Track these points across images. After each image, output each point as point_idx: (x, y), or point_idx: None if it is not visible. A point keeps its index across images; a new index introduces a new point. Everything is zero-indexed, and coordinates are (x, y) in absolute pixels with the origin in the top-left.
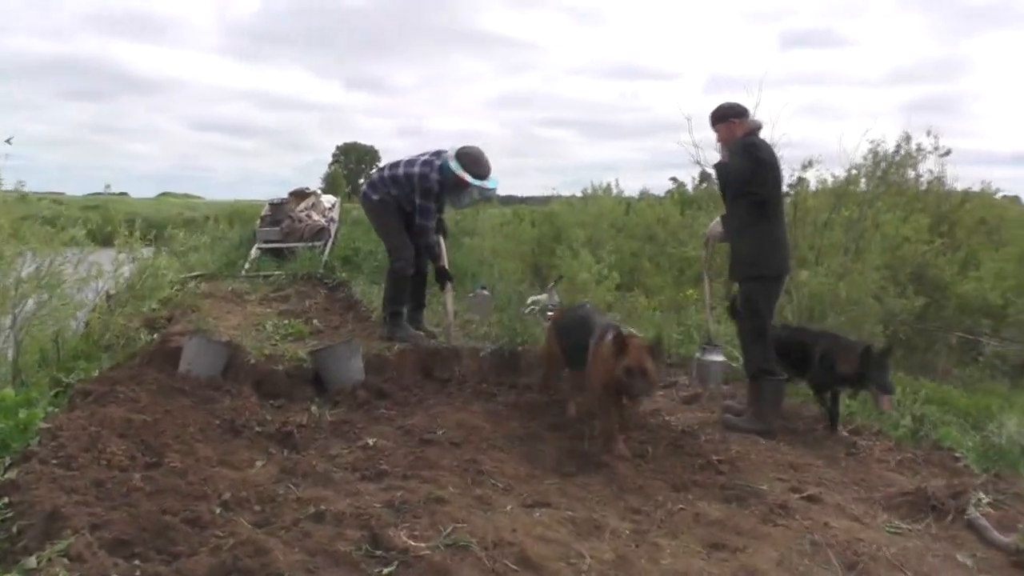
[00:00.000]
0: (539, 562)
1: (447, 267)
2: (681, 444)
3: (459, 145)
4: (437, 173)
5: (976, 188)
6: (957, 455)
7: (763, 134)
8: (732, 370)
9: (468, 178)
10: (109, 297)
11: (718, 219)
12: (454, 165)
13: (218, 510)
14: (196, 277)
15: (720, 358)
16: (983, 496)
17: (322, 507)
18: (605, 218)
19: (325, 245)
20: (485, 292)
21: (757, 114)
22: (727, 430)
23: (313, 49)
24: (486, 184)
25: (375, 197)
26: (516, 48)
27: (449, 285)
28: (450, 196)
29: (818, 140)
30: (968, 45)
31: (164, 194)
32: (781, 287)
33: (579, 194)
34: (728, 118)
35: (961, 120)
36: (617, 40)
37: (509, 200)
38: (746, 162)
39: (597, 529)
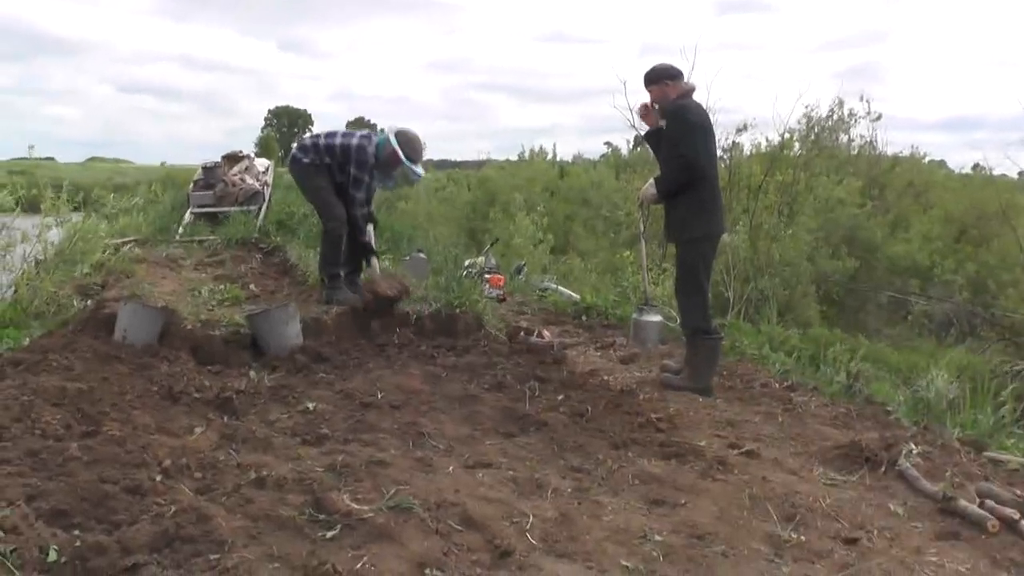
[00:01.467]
0: (482, 521)
1: (372, 244)
2: (620, 403)
3: (397, 126)
4: (374, 148)
5: (905, 153)
6: (889, 409)
7: (699, 99)
8: (669, 330)
9: (402, 156)
10: (38, 263)
11: (652, 181)
12: (392, 139)
13: (158, 478)
14: (129, 242)
15: (657, 318)
16: (913, 448)
17: (263, 472)
18: (539, 182)
19: (259, 209)
20: (422, 255)
21: (692, 79)
22: (665, 389)
23: (242, 10)
24: (415, 168)
25: (306, 160)
26: (449, 11)
27: (374, 260)
28: (379, 174)
29: (753, 105)
30: (897, 14)
31: (92, 159)
32: (716, 248)
33: (513, 158)
34: (662, 80)
35: (890, 87)
36: (551, 4)
37: (443, 165)
38: (675, 127)
39: (539, 488)
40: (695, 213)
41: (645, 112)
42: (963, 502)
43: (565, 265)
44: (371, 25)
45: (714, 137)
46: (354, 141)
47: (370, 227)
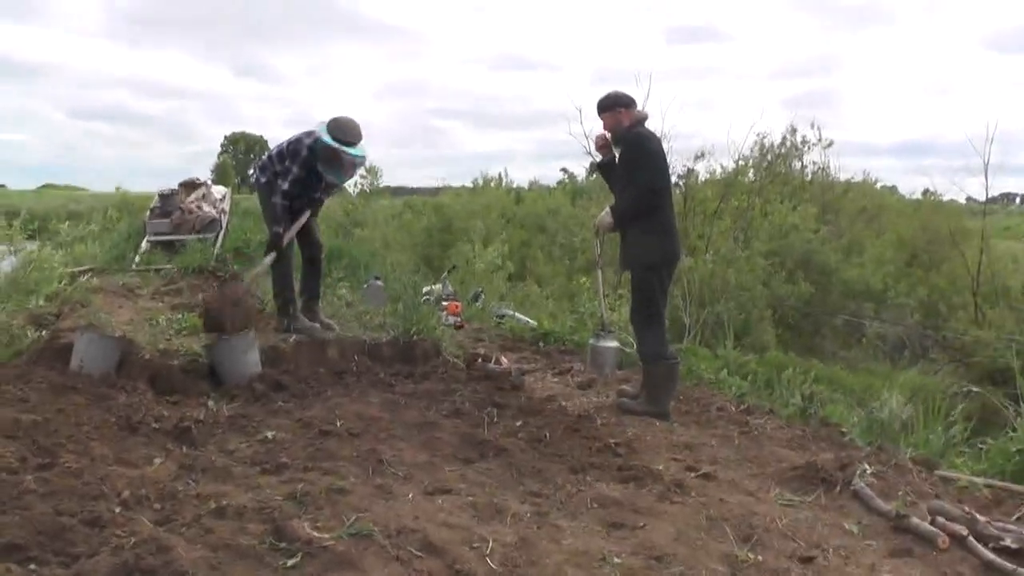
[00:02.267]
0: (443, 547)
1: (283, 240)
2: (578, 428)
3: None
4: (311, 141)
5: (858, 178)
6: (844, 430)
7: (654, 126)
8: (625, 355)
9: (334, 144)
10: None
11: (608, 209)
12: (326, 138)
13: (117, 509)
14: (85, 271)
15: (614, 344)
16: (867, 467)
17: (223, 502)
18: (495, 208)
19: (217, 237)
20: (379, 283)
21: (646, 107)
22: (623, 414)
23: (199, 34)
24: (348, 151)
25: (263, 179)
26: (406, 37)
27: (272, 256)
28: (328, 171)
29: (707, 133)
30: (848, 42)
31: (46, 186)
32: (672, 274)
33: (470, 184)
34: (615, 107)
35: (842, 113)
36: (506, 31)
37: (400, 191)
38: (631, 156)
39: (499, 513)
40: (651, 240)
41: (603, 143)
42: (915, 520)
43: (522, 292)
44: (328, 50)
45: (667, 165)
46: (292, 138)
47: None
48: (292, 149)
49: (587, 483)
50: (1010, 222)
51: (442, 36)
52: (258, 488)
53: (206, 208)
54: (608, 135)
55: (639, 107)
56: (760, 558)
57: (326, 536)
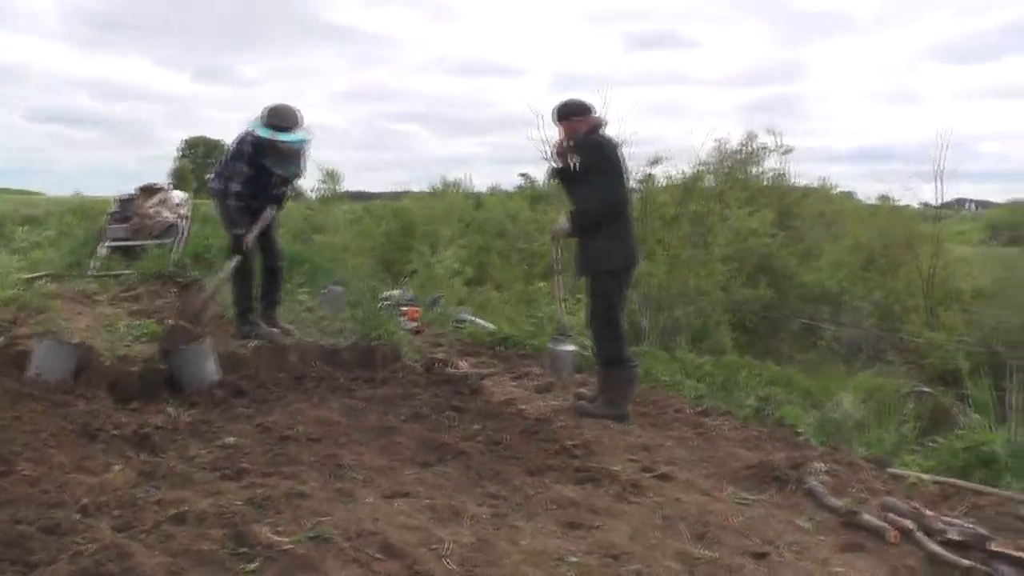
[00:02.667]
0: (402, 549)
1: (246, 244)
2: (536, 431)
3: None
4: (252, 137)
5: (816, 184)
6: (798, 431)
7: (613, 132)
8: (583, 358)
9: (267, 134)
10: None
11: (565, 216)
12: (262, 131)
13: (76, 517)
14: (42, 277)
15: (571, 347)
16: (820, 466)
17: (183, 508)
18: (455, 214)
19: (176, 242)
20: (338, 288)
21: (605, 112)
22: (580, 417)
23: (159, 37)
24: (282, 137)
25: (217, 186)
26: (366, 42)
27: (236, 259)
28: (274, 164)
29: (667, 138)
30: (807, 50)
31: (0, 190)
32: (630, 279)
33: (430, 189)
34: (571, 115)
35: (802, 120)
36: (467, 36)
37: (361, 196)
38: (591, 162)
39: (457, 515)
40: (610, 246)
41: (561, 150)
42: (866, 515)
43: (482, 296)
44: (289, 54)
45: (625, 170)
46: (236, 137)
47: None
48: (237, 149)
49: (544, 485)
50: (963, 227)
51: (404, 41)
52: (218, 494)
53: (165, 213)
54: (567, 142)
55: (596, 113)
56: (714, 555)
57: (286, 540)
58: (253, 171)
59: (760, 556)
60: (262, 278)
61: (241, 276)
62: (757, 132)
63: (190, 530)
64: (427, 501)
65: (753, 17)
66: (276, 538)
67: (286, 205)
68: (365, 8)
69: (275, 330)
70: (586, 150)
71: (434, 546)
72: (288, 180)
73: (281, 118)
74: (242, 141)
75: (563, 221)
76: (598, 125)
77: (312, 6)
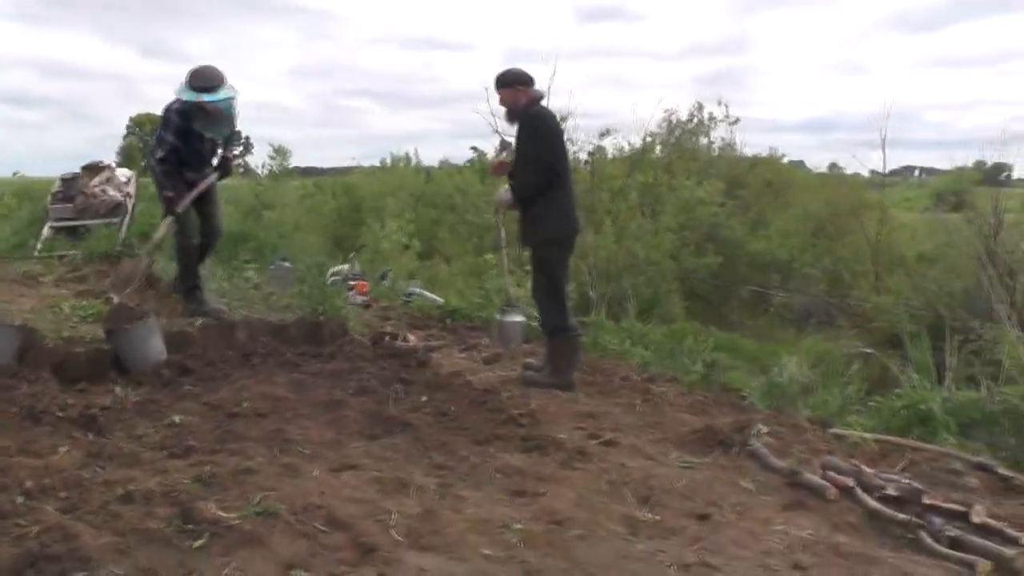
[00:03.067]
0: (348, 521)
1: (177, 206)
2: (483, 401)
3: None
4: (178, 104)
5: (764, 153)
6: (744, 395)
7: (564, 104)
8: (531, 329)
9: (192, 96)
10: None
11: (507, 187)
12: (187, 95)
13: (20, 499)
14: None
15: (519, 318)
16: (763, 428)
17: (130, 487)
18: (405, 188)
19: (122, 222)
20: (286, 264)
21: (554, 85)
22: (527, 387)
23: (103, 13)
24: (206, 97)
25: (151, 158)
26: (316, 16)
27: (168, 223)
28: (205, 127)
29: (618, 110)
30: (755, 21)
31: None
32: (572, 249)
33: (379, 165)
34: (513, 84)
35: (752, 91)
36: (416, 10)
37: (311, 172)
38: (531, 133)
39: (403, 486)
40: (550, 216)
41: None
42: (807, 475)
43: (431, 270)
44: (237, 29)
45: (564, 142)
46: (164, 108)
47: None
48: (164, 118)
49: (491, 454)
50: (911, 194)
51: (352, 15)
52: (165, 472)
53: (111, 192)
54: (506, 110)
55: (536, 86)
56: (658, 517)
57: (232, 516)
58: (179, 140)
59: (703, 517)
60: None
61: (184, 253)
62: (705, 103)
63: (137, 509)
64: (374, 473)
65: None
66: (223, 514)
67: (232, 174)
68: None
69: (222, 307)
70: (525, 121)
71: (380, 517)
72: (221, 143)
73: (204, 79)
74: (167, 110)
75: (505, 192)
76: (538, 98)
77: None
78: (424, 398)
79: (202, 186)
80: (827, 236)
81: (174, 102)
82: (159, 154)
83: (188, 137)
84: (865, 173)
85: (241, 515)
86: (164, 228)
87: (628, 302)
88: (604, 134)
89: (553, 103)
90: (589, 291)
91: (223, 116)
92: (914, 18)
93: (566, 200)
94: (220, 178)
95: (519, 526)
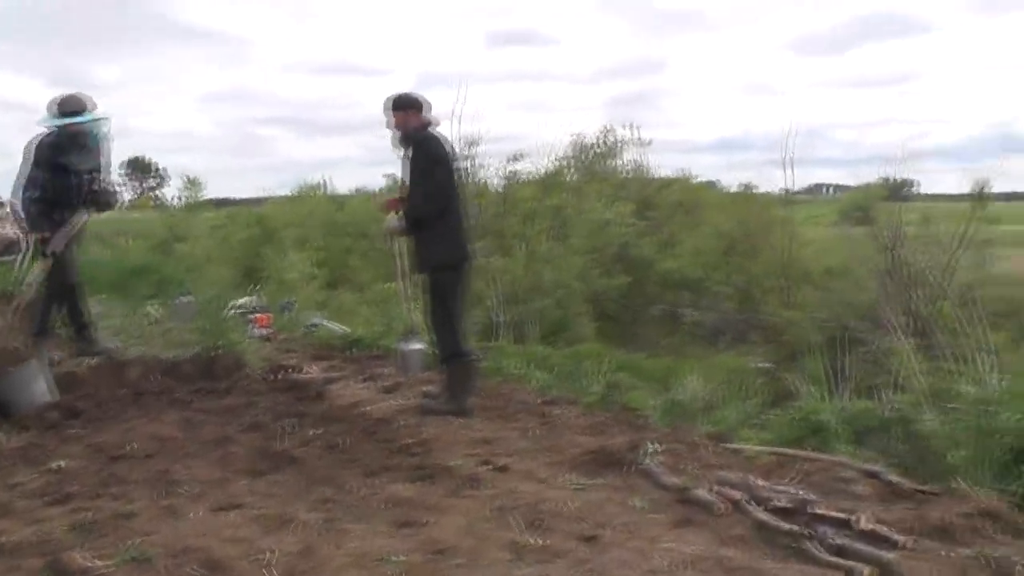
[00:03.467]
0: (225, 563)
1: (54, 247)
2: (376, 432)
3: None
4: (50, 139)
5: (675, 174)
6: (644, 415)
7: (474, 129)
8: (433, 356)
9: (60, 121)
10: None
11: (399, 214)
12: (55, 122)
13: None
14: None
15: (420, 346)
16: (656, 447)
17: (0, 539)
18: (316, 217)
19: (19, 259)
20: (188, 299)
21: (466, 110)
22: (424, 415)
23: (10, 42)
24: (74, 119)
25: (22, 197)
26: (227, 43)
27: (43, 264)
28: (77, 157)
29: (532, 134)
30: (667, 46)
31: None
32: (465, 274)
33: (291, 194)
34: (406, 108)
35: (664, 113)
36: (329, 35)
37: (225, 203)
38: (423, 158)
39: (286, 523)
40: (442, 242)
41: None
42: (697, 491)
43: (339, 299)
44: (147, 57)
45: (456, 167)
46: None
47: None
48: (35, 155)
49: (379, 485)
50: (821, 210)
51: (264, 41)
52: (41, 521)
53: (7, 228)
54: (396, 133)
55: (430, 112)
56: (545, 541)
57: (104, 564)
58: (48, 174)
59: (591, 539)
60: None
61: (68, 292)
62: (614, 126)
63: (4, 562)
64: (256, 511)
65: (612, 15)
66: (95, 563)
67: (112, 206)
68: (225, 8)
69: (114, 346)
70: (416, 145)
71: (258, 557)
72: (91, 176)
73: (70, 105)
74: (39, 146)
75: (395, 219)
76: (430, 123)
77: (168, 5)
78: (316, 431)
79: (78, 224)
80: (737, 254)
81: (44, 136)
82: (33, 193)
83: (60, 173)
84: (775, 191)
85: (114, 563)
86: (40, 270)
87: (536, 325)
88: (514, 159)
89: (463, 128)
90: (496, 316)
91: (91, 140)
92: (818, 42)
93: (457, 225)
94: (98, 211)
95: (401, 558)
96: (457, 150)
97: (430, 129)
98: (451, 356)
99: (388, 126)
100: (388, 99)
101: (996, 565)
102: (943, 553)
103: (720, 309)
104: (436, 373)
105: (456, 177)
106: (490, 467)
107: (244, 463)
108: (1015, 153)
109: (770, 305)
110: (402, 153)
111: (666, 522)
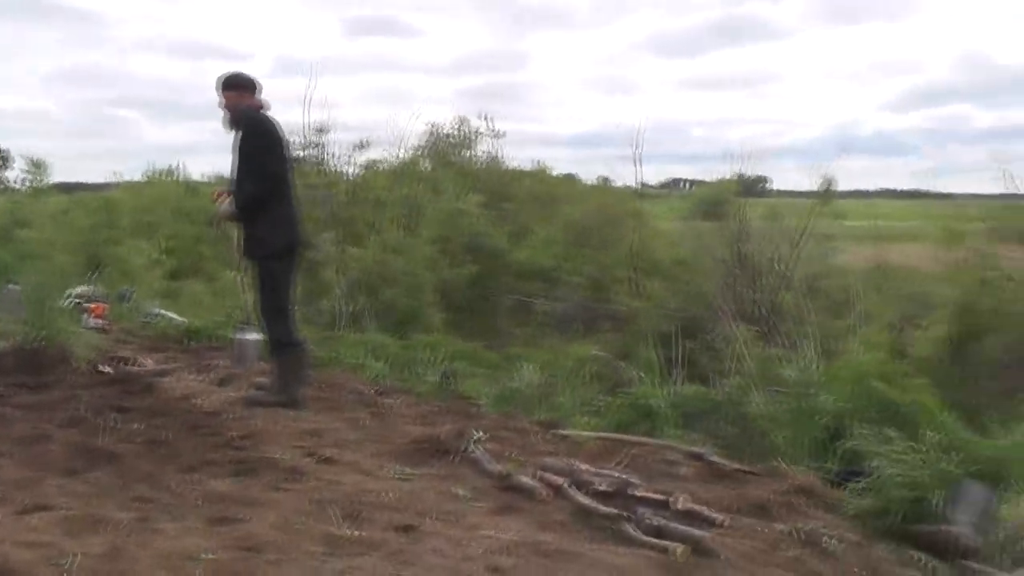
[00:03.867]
0: (22, 569)
1: None
2: (201, 425)
3: None
4: None
5: (532, 167)
6: (479, 403)
7: (326, 116)
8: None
9: None
10: None
11: (229, 199)
12: None
13: None
14: None
15: (255, 336)
16: (480, 434)
17: None
18: (166, 203)
19: None
20: (14, 287)
21: (318, 96)
22: (252, 407)
23: None
24: None
25: None
26: (78, 19)
27: None
28: None
29: (387, 124)
30: (528, 41)
31: None
32: (296, 261)
33: (142, 178)
34: (238, 88)
35: (524, 107)
36: (186, 15)
37: (76, 187)
38: (253, 140)
39: (95, 524)
40: (271, 229)
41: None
42: (518, 477)
43: (184, 287)
44: None
45: (288, 152)
46: None
47: None
48: None
49: (199, 481)
50: (677, 205)
51: (119, 18)
52: None
53: None
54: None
55: (262, 94)
56: (363, 533)
57: None
58: None
59: (408, 529)
60: None
61: None
62: (469, 117)
63: None
64: (64, 512)
65: (475, 8)
66: None
67: None
68: None
69: None
70: (247, 126)
71: (59, 561)
72: None
73: None
74: None
75: (226, 204)
76: (261, 106)
77: None
78: (139, 426)
79: None
80: (591, 245)
81: None
82: None
83: None
84: (630, 185)
85: None
86: None
87: (383, 316)
88: (360, 146)
89: (316, 115)
90: (341, 305)
91: None
92: (672, 43)
93: (289, 212)
94: None
95: (211, 556)
96: (297, 137)
97: (262, 111)
98: (282, 346)
99: (220, 106)
100: (220, 78)
101: (805, 537)
102: (757, 529)
103: (571, 298)
104: (269, 364)
105: (287, 162)
106: (315, 459)
107: (59, 461)
108: (856, 153)
109: (621, 295)
110: (232, 134)
111: (487, 510)
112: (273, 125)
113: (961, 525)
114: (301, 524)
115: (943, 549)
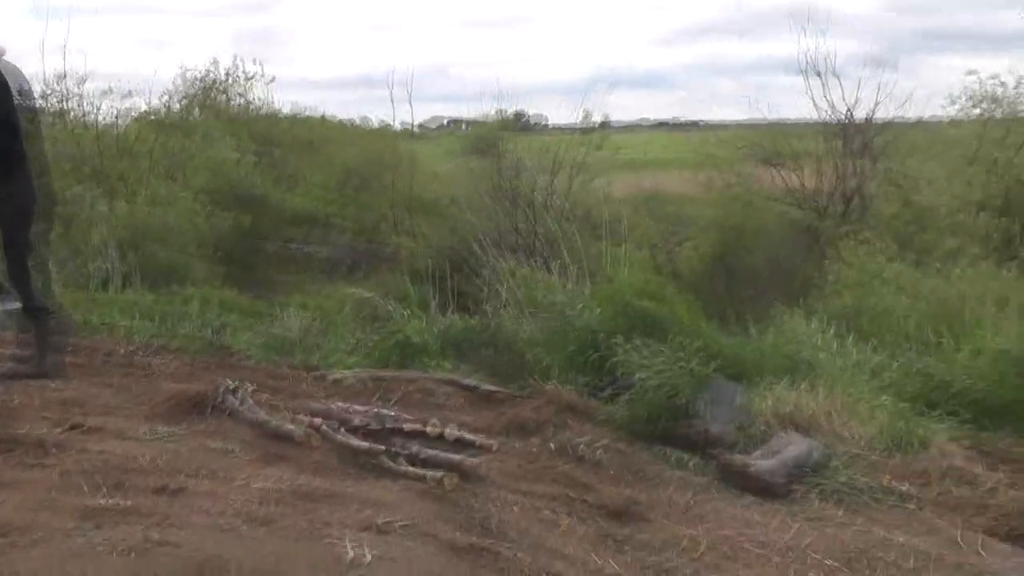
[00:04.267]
0: None
1: None
2: None
3: None
4: None
5: (299, 112)
6: (247, 354)
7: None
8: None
9: None
10: None
11: None
12: None
13: None
14: None
15: (15, 306)
16: (243, 384)
17: None
18: None
19: None
20: None
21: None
22: (7, 380)
23: None
24: None
25: None
26: None
27: None
28: None
29: (148, 71)
30: None
31: None
32: (42, 222)
33: None
34: None
35: (291, 48)
36: None
37: None
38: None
39: None
40: (17, 188)
41: None
42: (277, 422)
43: None
44: None
45: (28, 103)
46: None
47: None
48: None
49: None
50: (452, 144)
51: None
52: None
53: None
54: None
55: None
56: (124, 502)
57: None
58: None
59: (170, 490)
60: None
61: None
62: (229, 62)
63: None
64: None
65: None
66: None
67: None
68: None
69: None
70: None
71: None
72: None
73: None
74: None
75: None
76: None
77: None
78: None
79: None
80: (360, 188)
81: None
82: None
83: None
84: (399, 126)
85: None
86: None
87: (143, 275)
88: (106, 92)
89: (67, 63)
90: (110, 265)
91: None
92: None
93: (28, 169)
94: None
95: None
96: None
97: None
98: (35, 311)
99: None
100: None
101: (572, 450)
102: (526, 449)
103: (339, 242)
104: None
105: (27, 114)
106: (75, 430)
107: None
108: (623, 88)
109: (392, 237)
110: None
111: (250, 460)
112: (5, 75)
113: (712, 419)
114: (54, 500)
115: (697, 443)
